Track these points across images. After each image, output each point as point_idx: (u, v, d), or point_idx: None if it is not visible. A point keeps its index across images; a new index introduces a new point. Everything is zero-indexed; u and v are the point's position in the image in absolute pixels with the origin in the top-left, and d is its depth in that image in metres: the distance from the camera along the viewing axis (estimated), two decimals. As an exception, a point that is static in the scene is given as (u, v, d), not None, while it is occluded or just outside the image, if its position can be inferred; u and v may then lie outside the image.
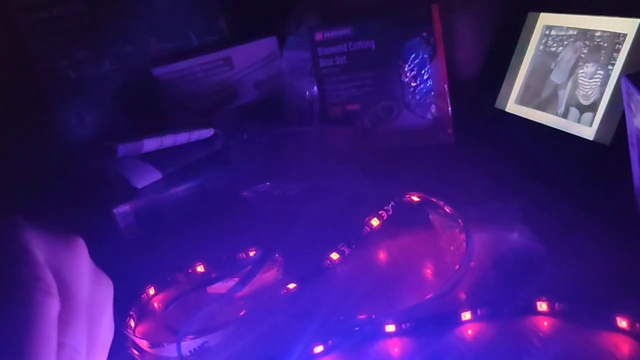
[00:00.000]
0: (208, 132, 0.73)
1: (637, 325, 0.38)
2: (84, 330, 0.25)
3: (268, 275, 0.51)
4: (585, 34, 0.61)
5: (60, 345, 0.23)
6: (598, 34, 0.60)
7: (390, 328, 0.42)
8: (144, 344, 0.45)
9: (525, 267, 0.47)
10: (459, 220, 0.51)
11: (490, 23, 0.75)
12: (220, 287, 0.50)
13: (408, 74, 0.73)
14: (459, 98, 0.73)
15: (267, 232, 0.56)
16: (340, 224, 0.55)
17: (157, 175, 0.66)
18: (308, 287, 0.49)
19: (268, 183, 0.66)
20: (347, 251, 0.52)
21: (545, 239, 0.49)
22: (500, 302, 0.43)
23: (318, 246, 0.53)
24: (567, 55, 0.63)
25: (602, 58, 0.59)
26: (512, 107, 0.69)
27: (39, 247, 0.25)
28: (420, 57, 0.72)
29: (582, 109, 0.60)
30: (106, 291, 0.28)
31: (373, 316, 0.43)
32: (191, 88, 0.83)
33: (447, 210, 0.53)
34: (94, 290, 0.27)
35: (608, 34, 0.59)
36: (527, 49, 0.69)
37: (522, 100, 0.68)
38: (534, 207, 0.53)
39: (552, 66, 0.64)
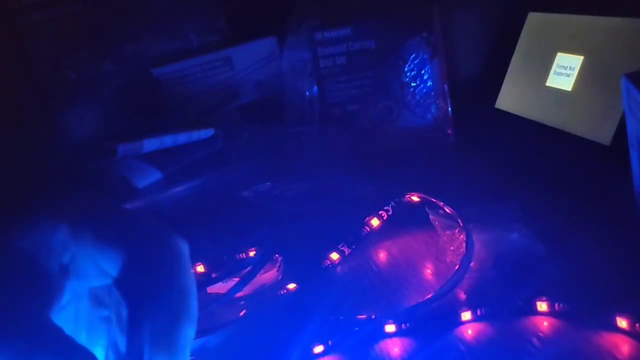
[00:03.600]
0: (208, 132, 0.73)
1: (637, 325, 0.38)
2: None
3: (268, 275, 0.51)
4: (585, 34, 0.61)
5: None
6: (598, 34, 0.60)
7: (390, 328, 0.42)
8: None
9: (525, 267, 0.47)
10: (459, 220, 0.51)
11: (490, 23, 0.75)
12: (220, 287, 0.50)
13: (408, 74, 0.73)
14: (459, 98, 0.73)
15: (267, 232, 0.56)
16: (340, 224, 0.55)
17: (157, 175, 0.66)
18: (308, 287, 0.49)
19: (268, 183, 0.66)
20: (347, 251, 0.52)
21: (545, 239, 0.49)
22: (500, 302, 0.43)
23: (318, 246, 0.53)
24: (567, 55, 0.63)
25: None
26: (512, 107, 0.69)
27: None
28: (420, 57, 0.72)
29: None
30: None
31: (373, 316, 0.43)
32: (191, 88, 0.83)
33: (447, 210, 0.53)
34: None
35: (608, 34, 0.58)
36: (527, 49, 0.69)
37: (522, 100, 0.68)
38: (534, 207, 0.53)
39: (552, 66, 0.64)
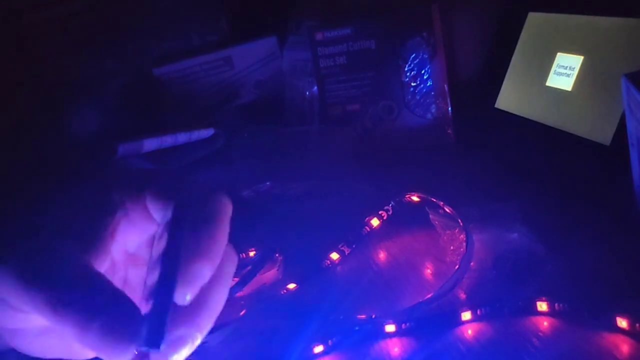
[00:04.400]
0: (208, 132, 0.73)
1: (637, 325, 0.38)
2: None
3: (268, 275, 0.51)
4: (585, 34, 0.61)
5: None
6: (598, 34, 0.60)
7: (390, 328, 0.42)
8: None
9: (525, 267, 0.47)
10: (459, 220, 0.51)
11: (490, 23, 0.75)
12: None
13: (408, 74, 0.73)
14: (459, 98, 0.73)
15: (267, 232, 0.56)
16: (340, 224, 0.55)
17: (157, 175, 0.66)
18: (308, 287, 0.49)
19: (268, 183, 0.66)
20: (347, 251, 0.52)
21: (545, 239, 0.49)
22: (500, 302, 0.43)
23: (318, 246, 0.53)
24: (567, 55, 0.63)
25: (602, 58, 0.59)
26: (512, 107, 0.69)
27: None
28: (420, 57, 0.72)
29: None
30: None
31: (373, 316, 0.43)
32: (191, 88, 0.83)
33: (447, 210, 0.53)
34: None
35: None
36: (527, 49, 0.69)
37: (522, 100, 0.68)
38: (534, 207, 0.53)
39: (552, 66, 0.64)
